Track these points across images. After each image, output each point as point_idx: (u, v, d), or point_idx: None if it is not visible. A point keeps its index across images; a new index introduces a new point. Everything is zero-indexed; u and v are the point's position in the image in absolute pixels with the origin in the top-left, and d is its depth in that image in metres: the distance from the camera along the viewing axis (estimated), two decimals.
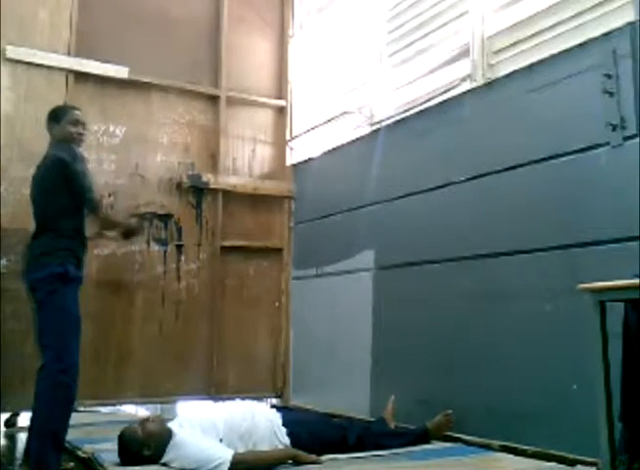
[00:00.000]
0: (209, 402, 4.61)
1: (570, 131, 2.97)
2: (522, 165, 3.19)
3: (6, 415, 4.02)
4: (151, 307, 4.53)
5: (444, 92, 3.74)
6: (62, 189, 2.95)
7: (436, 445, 3.26)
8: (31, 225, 3.06)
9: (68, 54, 4.35)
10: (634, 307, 2.11)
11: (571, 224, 2.93)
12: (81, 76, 4.40)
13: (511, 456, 2.96)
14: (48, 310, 2.87)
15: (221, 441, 2.81)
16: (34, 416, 2.83)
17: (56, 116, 3.17)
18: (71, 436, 3.20)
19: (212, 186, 4.81)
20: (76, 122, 3.14)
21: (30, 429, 2.89)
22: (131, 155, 4.58)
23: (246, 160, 5.06)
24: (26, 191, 3.61)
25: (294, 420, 3.08)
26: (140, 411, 4.91)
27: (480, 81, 3.51)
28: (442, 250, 3.60)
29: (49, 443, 2.75)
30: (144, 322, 4.49)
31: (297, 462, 2.82)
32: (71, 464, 2.98)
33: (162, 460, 2.73)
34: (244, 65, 5.12)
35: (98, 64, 4.44)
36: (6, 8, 4.10)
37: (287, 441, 2.95)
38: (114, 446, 2.84)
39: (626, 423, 2.11)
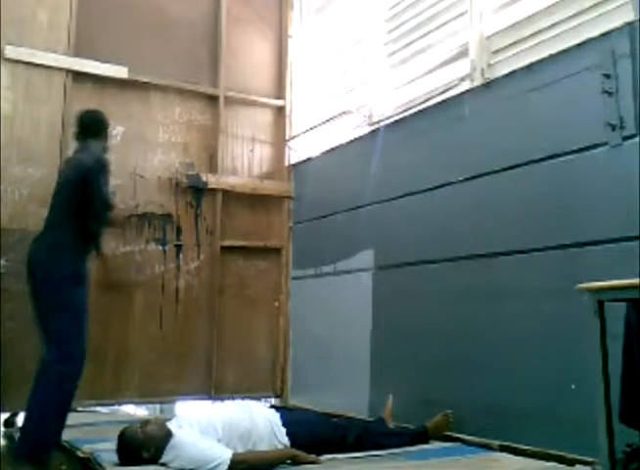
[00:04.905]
0: (209, 402, 4.61)
1: (568, 131, 2.97)
2: (520, 165, 3.19)
3: (5, 415, 4.01)
4: (150, 307, 4.53)
5: (443, 92, 3.74)
6: (79, 190, 3.03)
7: (436, 444, 3.25)
8: (34, 223, 3.06)
9: (68, 54, 4.35)
10: (635, 306, 2.10)
11: (569, 224, 2.93)
12: (80, 76, 4.40)
13: (510, 456, 2.96)
14: (56, 309, 2.93)
15: (220, 441, 2.81)
16: (30, 411, 2.85)
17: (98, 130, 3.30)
18: (70, 436, 3.22)
19: (211, 186, 4.81)
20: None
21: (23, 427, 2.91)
22: (130, 155, 4.57)
23: (245, 160, 5.06)
24: (26, 191, 3.63)
25: (293, 420, 3.08)
26: (139, 411, 4.91)
27: (478, 81, 3.51)
28: (441, 250, 3.60)
29: (46, 423, 2.83)
30: (143, 322, 4.49)
31: (297, 462, 2.82)
32: (64, 467, 2.96)
33: (161, 461, 2.73)
34: (243, 64, 5.12)
35: (97, 63, 4.45)
36: (5, 8, 4.10)
37: (286, 441, 2.94)
38: (112, 446, 2.83)
39: (628, 423, 2.11)
